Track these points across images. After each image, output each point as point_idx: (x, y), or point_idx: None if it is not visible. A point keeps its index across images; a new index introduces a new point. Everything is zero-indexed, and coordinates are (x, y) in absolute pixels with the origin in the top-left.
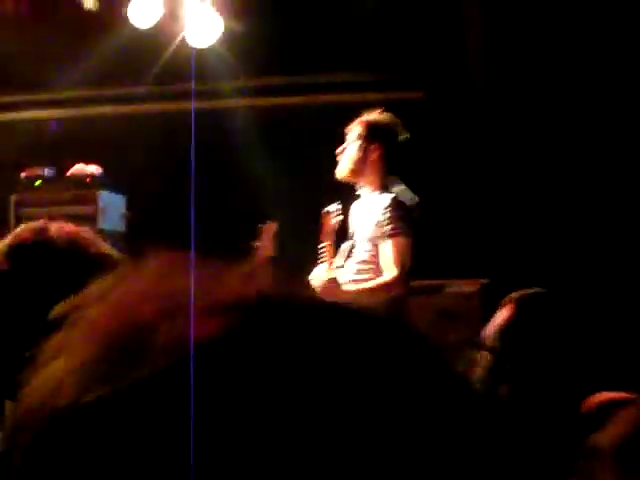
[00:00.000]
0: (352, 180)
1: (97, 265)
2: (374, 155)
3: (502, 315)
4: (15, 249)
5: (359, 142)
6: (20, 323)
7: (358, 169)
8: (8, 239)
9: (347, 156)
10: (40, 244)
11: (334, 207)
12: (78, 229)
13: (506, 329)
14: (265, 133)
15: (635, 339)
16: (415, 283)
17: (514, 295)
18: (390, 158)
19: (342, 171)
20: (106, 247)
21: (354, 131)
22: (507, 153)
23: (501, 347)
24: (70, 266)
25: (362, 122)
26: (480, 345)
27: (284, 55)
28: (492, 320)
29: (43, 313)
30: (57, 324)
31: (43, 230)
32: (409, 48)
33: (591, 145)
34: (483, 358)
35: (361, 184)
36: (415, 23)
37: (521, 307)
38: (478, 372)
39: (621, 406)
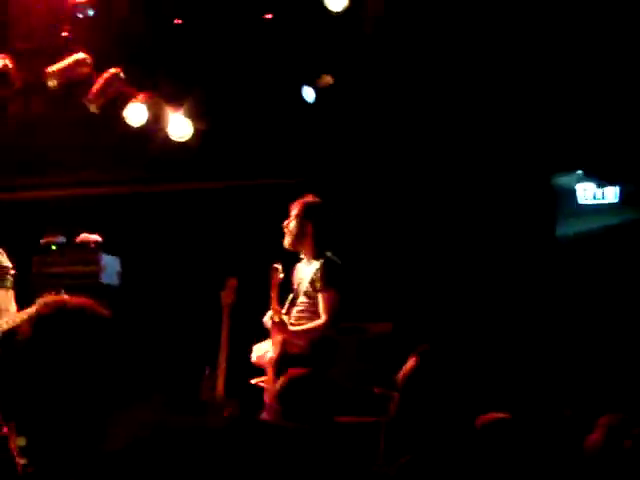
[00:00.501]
0: (295, 249)
1: (107, 325)
2: (308, 229)
3: (409, 364)
4: (38, 317)
5: (297, 220)
6: (46, 376)
7: (297, 241)
8: (33, 309)
9: (289, 231)
10: (60, 311)
11: (277, 266)
12: (88, 299)
13: (411, 375)
14: (229, 208)
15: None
16: (341, 325)
17: (419, 348)
18: (320, 232)
19: (287, 243)
20: (104, 310)
21: (293, 210)
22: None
23: (407, 389)
24: (85, 327)
25: (298, 203)
26: (394, 387)
27: (238, 147)
28: (403, 367)
29: (67, 369)
30: None
31: (61, 301)
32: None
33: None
34: (395, 398)
35: (301, 251)
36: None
37: (423, 358)
38: (392, 409)
39: (502, 424)
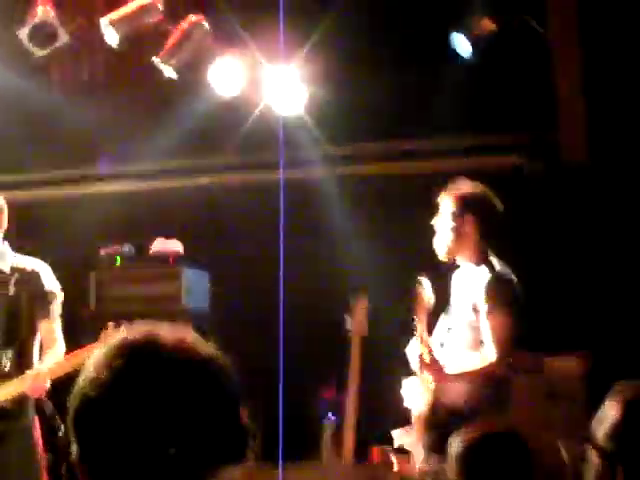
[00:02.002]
0: (450, 254)
1: (204, 368)
2: (467, 228)
3: (611, 415)
4: (127, 350)
5: (451, 217)
6: (136, 420)
7: (454, 245)
8: (117, 340)
9: (441, 233)
10: (151, 346)
11: (424, 279)
12: (183, 332)
13: (617, 431)
14: (354, 203)
15: None
16: (517, 360)
17: (622, 391)
18: (485, 229)
19: (439, 249)
20: (211, 349)
21: (445, 205)
22: (606, 222)
23: (612, 449)
24: (179, 369)
25: (452, 195)
26: (589, 441)
27: (373, 121)
28: (600, 415)
29: (154, 412)
30: None
31: (152, 333)
32: (503, 113)
33: None
34: (593, 457)
35: (458, 257)
36: (509, 88)
37: (631, 408)
38: (589, 472)
39: None
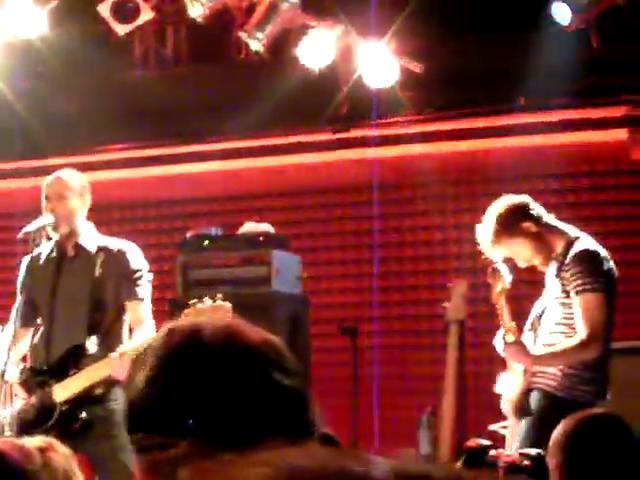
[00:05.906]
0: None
1: (258, 356)
2: (530, 232)
3: None
4: (167, 356)
5: (516, 240)
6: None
7: (533, 256)
8: (155, 341)
9: (518, 258)
10: (194, 347)
11: (499, 266)
12: (230, 322)
13: None
14: (447, 181)
15: None
16: (620, 345)
17: None
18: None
19: (524, 265)
20: (261, 334)
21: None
22: None
23: None
24: (229, 364)
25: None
26: None
27: (466, 96)
28: None
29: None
30: None
31: (195, 331)
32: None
33: None
34: None
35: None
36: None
37: None
38: None
39: None
